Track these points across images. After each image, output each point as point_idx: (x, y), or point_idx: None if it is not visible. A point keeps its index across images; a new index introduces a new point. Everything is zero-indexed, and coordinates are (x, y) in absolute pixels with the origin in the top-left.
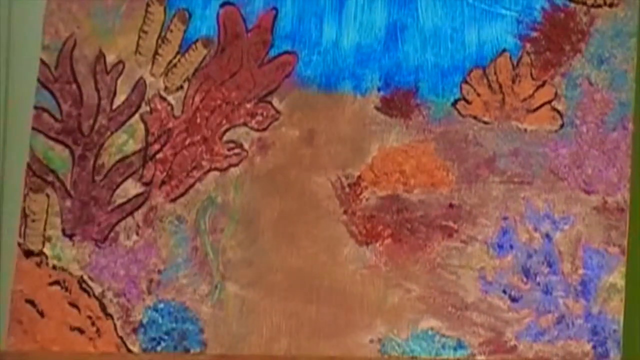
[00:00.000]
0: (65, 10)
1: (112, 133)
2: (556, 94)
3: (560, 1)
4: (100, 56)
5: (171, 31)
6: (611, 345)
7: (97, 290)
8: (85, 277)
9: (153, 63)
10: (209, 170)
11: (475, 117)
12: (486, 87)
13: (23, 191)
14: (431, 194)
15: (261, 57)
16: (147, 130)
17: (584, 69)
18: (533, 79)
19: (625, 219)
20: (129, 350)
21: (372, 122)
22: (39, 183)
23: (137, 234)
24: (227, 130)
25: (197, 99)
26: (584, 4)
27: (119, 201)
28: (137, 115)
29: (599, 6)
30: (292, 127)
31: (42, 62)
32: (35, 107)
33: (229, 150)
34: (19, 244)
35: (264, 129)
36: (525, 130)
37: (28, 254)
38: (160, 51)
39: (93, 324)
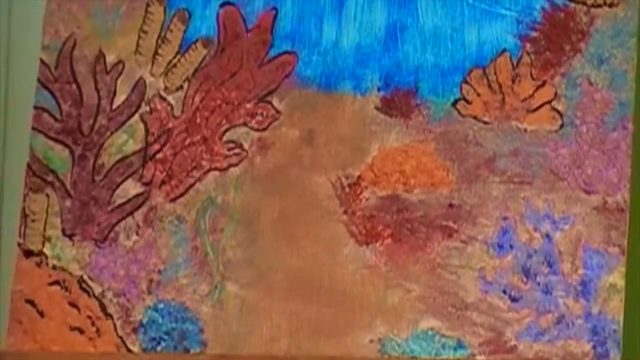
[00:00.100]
0: (65, 10)
1: (112, 133)
2: (556, 94)
3: (560, 1)
4: (100, 56)
5: (171, 31)
6: (611, 345)
7: (97, 290)
8: (85, 277)
9: (153, 63)
10: (208, 170)
11: (475, 117)
12: (486, 87)
13: (23, 191)
14: (431, 194)
15: (261, 57)
16: (147, 130)
17: (583, 69)
18: (533, 79)
19: (625, 219)
20: (129, 350)
21: (372, 122)
22: (39, 183)
23: (137, 234)
24: (227, 130)
25: (197, 99)
26: (584, 4)
27: (119, 201)
28: (137, 115)
29: (599, 6)
30: (292, 127)
31: (42, 62)
32: (35, 107)
33: (229, 150)
34: (19, 244)
35: (264, 129)
36: (525, 130)
37: (28, 254)
38: (160, 51)
39: (93, 324)
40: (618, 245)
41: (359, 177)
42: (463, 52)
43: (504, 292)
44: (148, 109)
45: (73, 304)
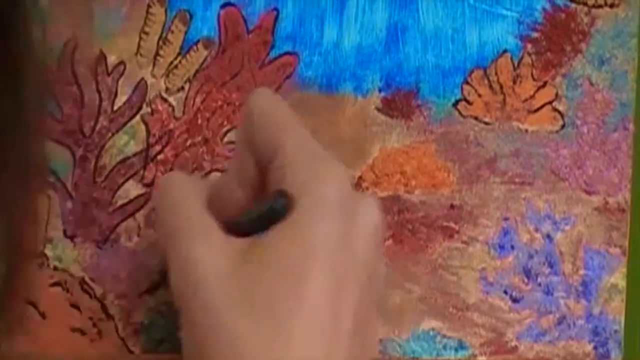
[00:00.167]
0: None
1: (113, 134)
2: (557, 94)
3: (561, 2)
4: (101, 57)
5: (172, 32)
6: (612, 346)
7: (99, 291)
8: (87, 279)
9: (154, 64)
10: (210, 171)
11: (476, 118)
12: (487, 87)
13: None
14: (432, 194)
15: (262, 58)
16: (148, 132)
17: (584, 69)
18: (534, 79)
19: (626, 220)
20: (131, 352)
21: (373, 123)
22: None
23: (139, 235)
24: (228, 131)
25: (198, 100)
26: (585, 4)
27: (120, 202)
28: (138, 117)
29: (600, 7)
30: None
31: None
32: None
33: (230, 151)
34: None
35: None
36: (526, 130)
37: None
38: (161, 52)
39: (94, 325)
40: (619, 245)
41: (360, 177)
42: (464, 52)
43: (505, 292)
44: (149, 110)
45: (74, 306)
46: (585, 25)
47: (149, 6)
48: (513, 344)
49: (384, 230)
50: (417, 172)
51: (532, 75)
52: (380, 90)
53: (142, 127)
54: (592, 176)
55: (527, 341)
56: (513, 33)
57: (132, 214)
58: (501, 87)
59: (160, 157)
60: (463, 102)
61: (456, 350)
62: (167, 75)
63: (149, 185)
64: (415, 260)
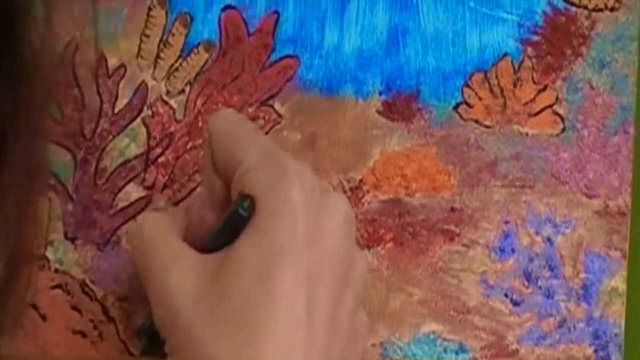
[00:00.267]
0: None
1: (114, 137)
2: (557, 98)
3: (561, 5)
4: (102, 60)
5: (173, 35)
6: (613, 349)
7: (99, 294)
8: (88, 281)
9: (155, 67)
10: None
11: (476, 121)
12: (487, 91)
13: None
14: (433, 197)
15: (263, 61)
16: (149, 134)
17: (585, 73)
18: (534, 82)
19: (626, 223)
20: (131, 354)
21: (373, 126)
22: None
23: None
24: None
25: (199, 102)
26: (585, 8)
27: (121, 205)
28: (139, 119)
29: (600, 10)
30: (293, 131)
31: None
32: None
33: None
34: None
35: (266, 133)
36: (527, 134)
37: None
38: (162, 55)
39: (95, 327)
40: (619, 249)
41: (361, 180)
42: (464, 56)
43: (506, 295)
44: (150, 112)
45: (75, 308)
46: (585, 29)
47: (149, 9)
48: (514, 347)
49: (354, 224)
50: (417, 175)
51: (532, 78)
52: (380, 93)
53: (143, 129)
54: (592, 180)
55: (528, 344)
56: (513, 36)
57: (133, 217)
58: (502, 90)
59: (161, 159)
60: (464, 106)
61: (457, 353)
62: (168, 78)
63: (150, 187)
64: (416, 263)
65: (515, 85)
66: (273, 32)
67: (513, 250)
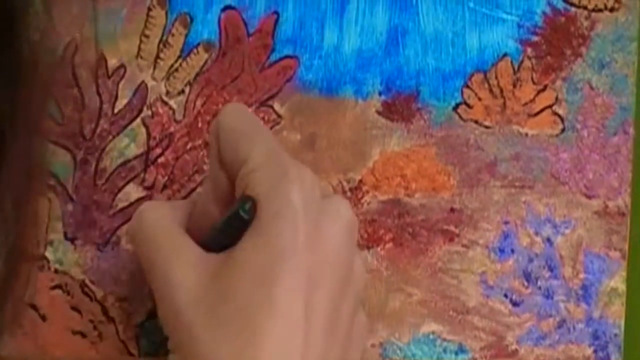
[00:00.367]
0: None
1: (113, 137)
2: (557, 98)
3: (561, 5)
4: (102, 60)
5: (173, 35)
6: (612, 350)
7: (99, 294)
8: (87, 281)
9: (154, 67)
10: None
11: (476, 122)
12: (487, 91)
13: None
14: (432, 198)
15: (262, 62)
16: (148, 135)
17: (584, 73)
18: (534, 83)
19: (626, 223)
20: (131, 354)
21: (373, 127)
22: None
23: None
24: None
25: (199, 103)
26: (585, 8)
27: (121, 205)
28: (138, 119)
29: (600, 10)
30: (293, 131)
31: None
32: None
33: None
34: None
35: None
36: (526, 134)
37: None
38: (161, 55)
39: (95, 328)
40: (619, 249)
41: (360, 181)
42: (464, 56)
43: (505, 296)
44: (150, 113)
45: (75, 308)
46: (585, 29)
47: (149, 9)
48: (513, 347)
49: (356, 230)
50: (417, 175)
51: (532, 79)
52: (380, 94)
53: (143, 130)
54: (592, 180)
55: (527, 345)
56: (513, 37)
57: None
58: (501, 90)
59: (160, 160)
60: (463, 106)
61: (456, 353)
62: (168, 78)
63: (150, 188)
64: (416, 264)
65: (514, 86)
66: (273, 32)
67: (512, 251)
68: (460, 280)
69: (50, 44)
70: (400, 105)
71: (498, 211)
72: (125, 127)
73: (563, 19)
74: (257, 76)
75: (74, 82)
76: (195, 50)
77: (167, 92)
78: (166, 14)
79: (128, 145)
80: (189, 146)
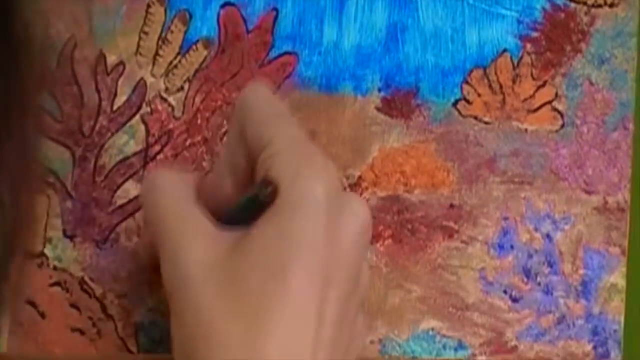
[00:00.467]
0: (66, 11)
1: (112, 134)
2: (557, 94)
3: (560, 1)
4: (101, 57)
5: (172, 32)
6: (612, 346)
7: (98, 291)
8: (86, 278)
9: (154, 64)
10: (209, 171)
11: (475, 118)
12: (487, 87)
13: None
14: (432, 194)
15: (262, 58)
16: (147, 131)
17: (584, 69)
18: (533, 79)
19: (625, 219)
20: (130, 352)
21: (372, 123)
22: None
23: (138, 235)
24: (227, 131)
25: (198, 99)
26: (585, 4)
27: (120, 202)
28: (137, 116)
29: (600, 6)
30: None
31: None
32: None
33: None
34: None
35: None
36: (526, 130)
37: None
38: (160, 52)
39: (94, 325)
40: (619, 245)
41: (360, 177)
42: (464, 52)
43: (505, 292)
44: (149, 109)
45: (74, 305)
46: (585, 25)
47: (148, 6)
48: (513, 343)
49: (370, 231)
50: (416, 171)
51: (531, 74)
52: (379, 90)
53: (142, 127)
54: (591, 176)
55: (527, 341)
56: (512, 33)
57: (132, 214)
58: (501, 86)
59: (159, 156)
60: (463, 102)
61: (456, 350)
62: (167, 75)
63: None
64: (415, 260)
65: (514, 82)
66: (272, 29)
67: (512, 247)
68: (459, 276)
69: (48, 41)
70: (399, 102)
71: (497, 207)
72: (124, 124)
73: (563, 14)
74: (256, 73)
75: (73, 79)
76: (194, 47)
77: (166, 89)
78: (165, 10)
79: (127, 142)
80: (188, 143)
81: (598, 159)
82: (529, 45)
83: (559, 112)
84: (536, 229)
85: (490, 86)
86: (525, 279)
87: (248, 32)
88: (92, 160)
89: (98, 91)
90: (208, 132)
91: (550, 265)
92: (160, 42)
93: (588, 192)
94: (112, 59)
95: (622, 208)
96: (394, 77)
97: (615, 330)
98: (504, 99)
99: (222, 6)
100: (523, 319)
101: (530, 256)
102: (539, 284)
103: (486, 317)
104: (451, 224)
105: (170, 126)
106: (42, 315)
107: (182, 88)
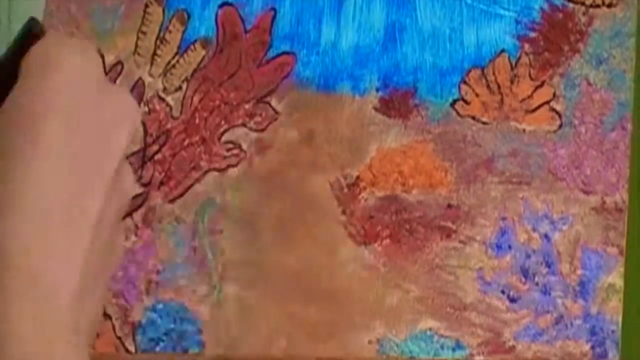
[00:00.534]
0: (64, 11)
1: None
2: (555, 94)
3: (558, 1)
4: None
5: (170, 32)
6: (609, 346)
7: None
8: None
9: (152, 64)
10: (207, 171)
11: (473, 118)
12: (485, 87)
13: None
14: (430, 194)
15: (260, 58)
16: (145, 131)
17: (582, 69)
18: (532, 79)
19: (623, 220)
20: (127, 351)
21: (370, 123)
22: None
23: (136, 234)
24: (225, 130)
25: (196, 99)
26: (583, 4)
27: None
28: None
29: (598, 6)
30: (290, 128)
31: None
32: None
33: (227, 150)
34: None
35: (263, 130)
36: (524, 130)
37: None
38: (158, 52)
39: None
40: (616, 245)
41: (358, 177)
42: (462, 52)
43: (503, 292)
44: (147, 109)
45: None
46: (583, 25)
47: (146, 5)
48: (510, 343)
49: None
50: (414, 171)
51: (529, 75)
52: (377, 90)
53: (140, 127)
54: (589, 176)
55: (525, 341)
56: (511, 33)
57: (130, 214)
58: (499, 86)
59: (157, 156)
60: (461, 102)
61: (453, 350)
62: (165, 75)
63: (147, 184)
64: (413, 260)
65: (512, 82)
66: (270, 28)
67: (510, 247)
68: (457, 276)
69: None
70: (397, 102)
71: (495, 207)
72: None
73: (561, 15)
74: (254, 72)
75: None
76: (192, 47)
77: (164, 89)
78: (163, 10)
79: None
80: (186, 142)
81: (596, 159)
82: (527, 46)
83: (557, 112)
84: (534, 229)
85: (488, 86)
86: (523, 279)
87: (246, 32)
88: None
89: None
90: (206, 132)
91: (548, 265)
92: (158, 42)
93: (586, 192)
94: (110, 59)
95: (620, 208)
96: (392, 77)
97: (613, 330)
98: (502, 99)
99: (220, 6)
100: (521, 319)
101: (528, 256)
102: (537, 284)
103: (484, 317)
104: (449, 224)
105: (168, 126)
106: None
107: (180, 88)
